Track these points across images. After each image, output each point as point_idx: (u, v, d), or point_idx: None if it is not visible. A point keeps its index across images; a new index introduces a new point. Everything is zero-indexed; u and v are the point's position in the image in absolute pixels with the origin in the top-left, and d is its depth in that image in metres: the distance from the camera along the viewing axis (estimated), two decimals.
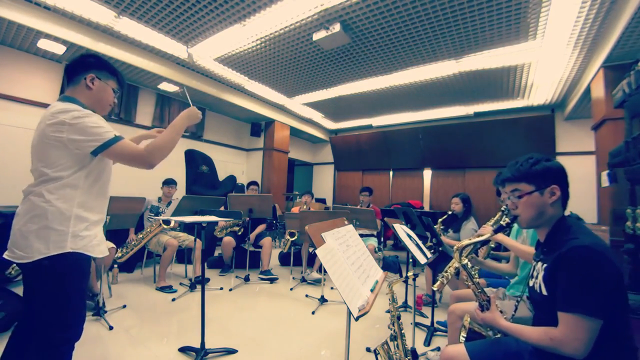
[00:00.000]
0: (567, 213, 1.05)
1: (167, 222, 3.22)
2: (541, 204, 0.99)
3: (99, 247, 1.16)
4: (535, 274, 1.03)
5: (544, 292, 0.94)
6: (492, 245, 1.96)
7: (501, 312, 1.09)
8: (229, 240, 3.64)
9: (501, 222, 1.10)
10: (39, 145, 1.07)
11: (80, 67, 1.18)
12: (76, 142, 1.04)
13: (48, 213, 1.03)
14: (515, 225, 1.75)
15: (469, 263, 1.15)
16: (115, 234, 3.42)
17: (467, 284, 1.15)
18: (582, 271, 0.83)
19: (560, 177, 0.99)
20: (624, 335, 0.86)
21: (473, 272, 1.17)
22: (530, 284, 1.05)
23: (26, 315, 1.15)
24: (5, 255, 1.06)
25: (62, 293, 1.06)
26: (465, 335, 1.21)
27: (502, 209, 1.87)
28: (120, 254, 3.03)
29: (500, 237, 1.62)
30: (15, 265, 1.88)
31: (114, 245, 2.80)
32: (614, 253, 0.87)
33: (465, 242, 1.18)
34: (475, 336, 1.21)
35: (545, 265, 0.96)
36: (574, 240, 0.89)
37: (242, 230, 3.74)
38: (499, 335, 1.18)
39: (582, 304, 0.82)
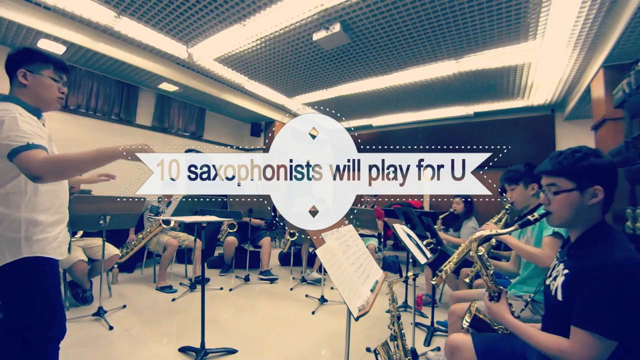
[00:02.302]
0: None
1: (167, 222, 3.22)
2: (579, 204, 0.88)
3: (59, 249, 1.13)
4: (554, 274, 0.96)
5: (559, 298, 0.88)
6: (493, 244, 1.96)
7: (510, 304, 1.06)
8: (232, 240, 3.64)
9: (529, 217, 1.01)
10: None
11: (10, 65, 1.11)
12: None
13: None
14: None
15: (485, 254, 1.12)
16: (115, 234, 3.42)
17: (480, 274, 1.10)
18: (605, 290, 0.77)
19: (607, 178, 0.88)
20: (634, 355, 0.81)
21: (488, 263, 1.12)
22: (547, 282, 0.99)
23: (4, 319, 1.14)
24: None
25: (31, 295, 1.06)
26: (469, 320, 1.17)
27: (506, 207, 1.87)
28: (120, 254, 3.03)
29: (505, 236, 1.61)
30: None
31: (119, 252, 2.80)
32: None
33: (487, 232, 1.11)
34: (479, 324, 1.17)
35: (567, 271, 0.89)
36: (605, 254, 0.82)
37: (236, 227, 3.73)
38: (507, 332, 1.14)
39: (599, 323, 0.77)
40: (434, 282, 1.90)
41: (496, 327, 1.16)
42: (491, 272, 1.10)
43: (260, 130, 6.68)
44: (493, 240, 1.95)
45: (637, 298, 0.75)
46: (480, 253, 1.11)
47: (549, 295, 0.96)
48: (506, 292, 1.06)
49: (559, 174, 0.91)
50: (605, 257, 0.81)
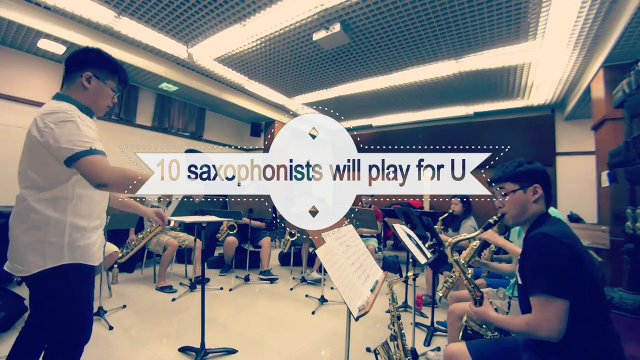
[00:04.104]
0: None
1: (167, 222, 3.21)
2: (524, 201, 1.08)
3: (97, 254, 1.13)
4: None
5: (519, 282, 1.03)
6: (493, 249, 1.96)
7: (496, 309, 1.11)
8: (232, 240, 3.64)
9: (489, 220, 1.19)
10: (28, 147, 1.01)
11: (78, 63, 1.09)
12: (53, 148, 0.95)
13: (41, 225, 0.98)
14: (517, 227, 1.77)
15: (461, 259, 1.23)
16: (115, 234, 3.42)
17: (460, 279, 1.20)
18: (537, 255, 0.92)
19: (542, 178, 1.08)
20: (600, 322, 0.89)
21: (465, 268, 1.23)
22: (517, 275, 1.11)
23: (32, 320, 1.14)
24: (6, 267, 1.04)
25: (67, 301, 1.05)
26: (462, 333, 1.24)
27: None
28: (120, 254, 3.03)
29: (494, 237, 1.63)
30: None
31: (117, 250, 2.80)
32: (576, 240, 0.92)
33: (457, 238, 1.26)
34: (473, 335, 1.23)
35: (520, 257, 1.05)
36: (536, 229, 0.98)
37: (236, 229, 3.73)
38: (496, 334, 1.20)
39: (542, 285, 0.88)
40: (440, 294, 1.91)
41: (489, 337, 1.23)
42: (470, 276, 1.23)
43: (260, 130, 6.68)
44: (493, 246, 1.95)
45: (563, 257, 0.87)
46: (455, 258, 1.25)
47: (518, 286, 1.08)
48: (487, 294, 1.17)
49: (504, 179, 1.13)
50: (535, 231, 0.98)
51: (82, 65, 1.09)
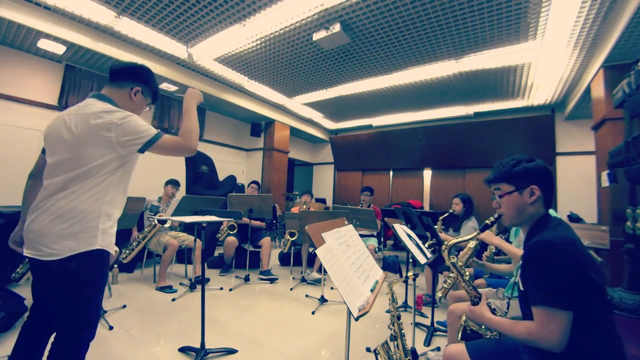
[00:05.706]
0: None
1: (162, 221, 3.20)
2: (521, 203, 1.03)
3: (112, 243, 1.17)
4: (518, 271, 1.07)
5: (521, 288, 0.99)
6: (494, 250, 1.96)
7: (494, 310, 1.10)
8: (232, 240, 3.64)
9: (486, 221, 1.16)
10: (77, 141, 1.05)
11: (131, 75, 1.22)
12: (123, 142, 1.07)
13: (79, 212, 1.03)
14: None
15: (458, 261, 1.22)
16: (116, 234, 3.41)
17: (458, 280, 1.19)
18: (540, 265, 0.87)
19: (540, 178, 1.02)
20: (603, 326, 0.87)
21: (463, 270, 1.20)
22: (517, 280, 1.08)
23: (38, 314, 1.15)
24: (27, 253, 1.05)
25: (85, 293, 1.07)
26: (461, 333, 1.23)
27: None
28: (124, 255, 3.03)
29: (492, 239, 1.62)
30: (20, 266, 1.88)
31: (117, 249, 2.79)
32: (579, 246, 0.89)
33: (454, 240, 1.23)
34: (472, 335, 1.22)
35: (521, 262, 1.00)
36: (539, 236, 0.93)
37: (236, 229, 3.73)
38: (495, 334, 1.19)
39: (546, 297, 0.84)
40: (439, 294, 1.91)
41: (488, 336, 1.21)
42: (467, 278, 1.20)
43: (260, 130, 6.68)
44: (493, 248, 1.95)
45: (567, 267, 0.83)
46: (452, 261, 1.22)
47: (519, 291, 1.04)
48: (485, 295, 1.14)
49: (500, 180, 1.07)
50: (537, 238, 0.93)
51: (135, 79, 1.23)
